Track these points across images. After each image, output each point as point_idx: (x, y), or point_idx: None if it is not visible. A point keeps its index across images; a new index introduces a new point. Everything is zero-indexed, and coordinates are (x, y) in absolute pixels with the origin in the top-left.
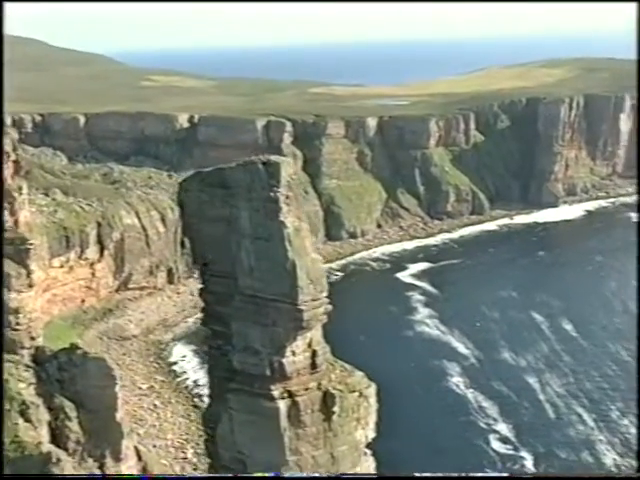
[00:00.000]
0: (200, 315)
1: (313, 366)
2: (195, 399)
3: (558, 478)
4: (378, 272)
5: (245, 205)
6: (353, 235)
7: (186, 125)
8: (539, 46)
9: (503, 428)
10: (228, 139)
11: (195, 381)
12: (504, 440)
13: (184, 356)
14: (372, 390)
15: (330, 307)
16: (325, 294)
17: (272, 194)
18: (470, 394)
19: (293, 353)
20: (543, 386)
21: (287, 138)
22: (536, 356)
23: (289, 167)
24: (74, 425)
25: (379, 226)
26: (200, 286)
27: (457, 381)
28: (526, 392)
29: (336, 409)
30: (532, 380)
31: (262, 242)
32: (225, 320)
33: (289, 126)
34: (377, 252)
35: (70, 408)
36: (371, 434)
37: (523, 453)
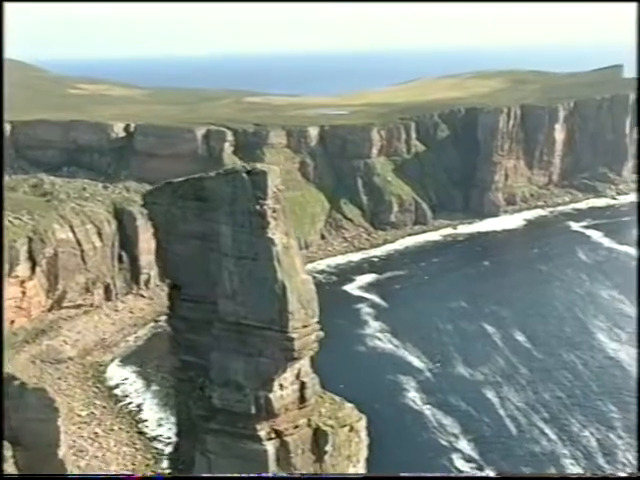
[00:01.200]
0: (140, 334)
1: (302, 400)
2: (140, 425)
3: (557, 478)
4: (325, 285)
5: (227, 220)
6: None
7: (122, 134)
8: (465, 58)
9: (465, 446)
10: (167, 149)
11: (139, 405)
12: (467, 459)
13: (125, 378)
14: (363, 423)
15: (322, 334)
16: (316, 319)
17: (258, 207)
18: (428, 410)
19: (281, 387)
20: (502, 400)
21: (228, 148)
22: (492, 369)
23: (276, 176)
24: (9, 466)
25: (323, 237)
26: (167, 311)
27: (414, 397)
28: (485, 406)
29: (328, 448)
30: (490, 394)
31: (247, 262)
32: (200, 350)
33: (230, 135)
34: (322, 264)
35: (5, 447)
36: (362, 471)
37: (488, 471)
